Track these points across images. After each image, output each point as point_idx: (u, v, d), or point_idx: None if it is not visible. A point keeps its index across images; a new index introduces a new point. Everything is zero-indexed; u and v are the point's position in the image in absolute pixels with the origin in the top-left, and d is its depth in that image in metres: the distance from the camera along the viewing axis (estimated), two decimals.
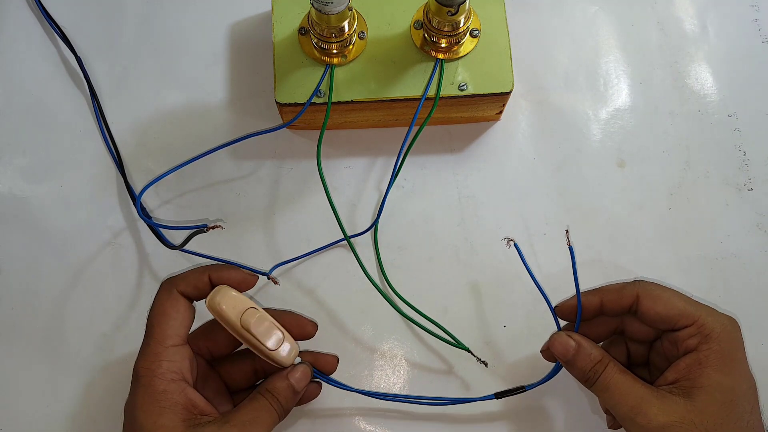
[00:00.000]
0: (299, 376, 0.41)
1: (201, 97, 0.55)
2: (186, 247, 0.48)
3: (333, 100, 0.48)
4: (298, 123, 0.53)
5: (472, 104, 0.50)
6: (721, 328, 0.38)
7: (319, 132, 0.48)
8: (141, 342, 0.40)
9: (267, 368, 0.44)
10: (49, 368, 0.50)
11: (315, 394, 0.45)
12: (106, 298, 0.51)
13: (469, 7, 0.46)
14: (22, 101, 0.55)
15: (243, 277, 0.42)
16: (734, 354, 0.38)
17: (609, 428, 0.44)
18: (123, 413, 0.39)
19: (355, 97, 0.48)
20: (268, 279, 0.48)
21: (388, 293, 0.50)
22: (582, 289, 0.42)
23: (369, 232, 0.52)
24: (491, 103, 0.51)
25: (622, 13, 0.57)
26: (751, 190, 0.53)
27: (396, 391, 0.50)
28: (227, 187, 0.53)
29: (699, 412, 0.36)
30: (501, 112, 0.53)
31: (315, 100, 0.48)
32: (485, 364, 0.49)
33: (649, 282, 0.40)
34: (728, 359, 0.37)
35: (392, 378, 0.50)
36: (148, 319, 0.41)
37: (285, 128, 0.54)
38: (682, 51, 0.56)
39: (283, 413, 0.41)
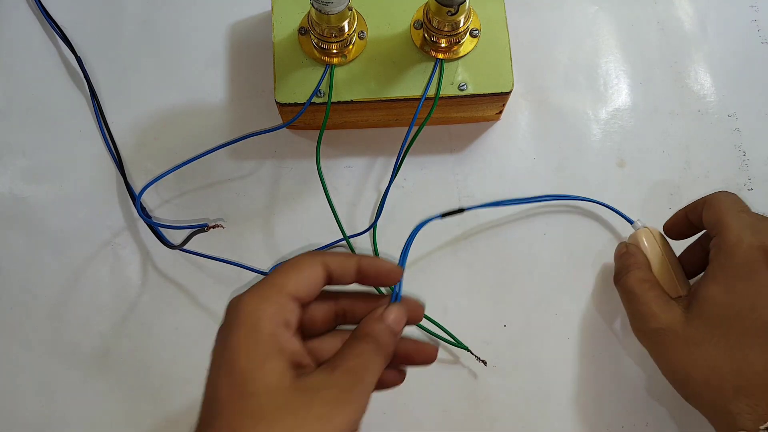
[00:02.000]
0: (395, 317, 0.36)
1: (201, 97, 0.55)
2: (186, 247, 0.48)
3: (333, 100, 0.48)
4: (298, 123, 0.53)
5: (472, 104, 0.50)
6: (735, 242, 0.36)
7: (318, 132, 0.48)
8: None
9: (350, 310, 0.38)
10: (48, 368, 0.50)
11: (398, 381, 0.39)
12: (106, 298, 0.51)
13: (469, 7, 0.46)
14: (22, 101, 0.55)
15: (390, 268, 0.37)
16: (740, 271, 0.36)
17: None
18: (209, 370, 0.34)
19: (355, 97, 0.48)
20: None
21: (387, 293, 0.50)
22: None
23: (368, 232, 0.52)
24: (491, 103, 0.51)
25: (622, 13, 0.57)
26: (751, 190, 0.53)
27: (396, 390, 0.50)
28: (227, 187, 0.53)
29: (685, 323, 0.36)
30: (501, 112, 0.53)
31: (315, 100, 0.48)
32: (484, 363, 0.49)
33: (722, 192, 0.41)
34: (730, 275, 0.36)
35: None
36: (275, 268, 0.36)
37: (285, 128, 0.54)
38: (682, 51, 0.57)
39: (387, 358, 0.35)
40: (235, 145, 0.53)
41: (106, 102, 0.55)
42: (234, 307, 0.33)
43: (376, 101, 0.49)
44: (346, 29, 0.46)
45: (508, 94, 0.49)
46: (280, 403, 0.31)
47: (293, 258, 0.36)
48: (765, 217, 0.39)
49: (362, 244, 0.52)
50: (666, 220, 0.46)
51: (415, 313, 0.38)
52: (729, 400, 0.34)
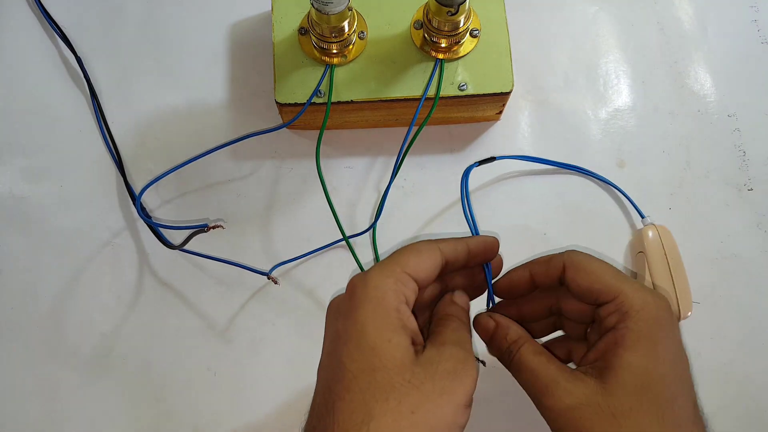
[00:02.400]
0: (464, 299, 0.38)
1: (201, 97, 0.55)
2: (186, 247, 0.48)
3: (333, 100, 0.48)
4: (298, 123, 0.53)
5: (472, 104, 0.50)
6: (641, 305, 0.34)
7: (318, 132, 0.48)
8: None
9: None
10: (48, 368, 0.50)
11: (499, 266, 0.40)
12: (106, 298, 0.51)
13: (469, 7, 0.46)
14: (22, 101, 0.55)
15: (492, 241, 0.39)
16: (655, 334, 0.33)
17: None
18: (334, 332, 0.35)
19: (355, 97, 0.48)
20: (268, 279, 0.48)
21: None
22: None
23: (368, 232, 0.52)
24: (491, 103, 0.51)
25: (622, 13, 0.57)
26: (751, 190, 0.53)
27: None
28: (227, 187, 0.53)
29: (607, 395, 0.33)
30: (501, 112, 0.53)
31: (315, 100, 0.48)
32: (483, 363, 0.49)
33: (579, 252, 0.37)
34: (647, 340, 0.33)
35: None
36: (394, 252, 0.36)
37: (285, 128, 0.54)
38: (682, 51, 0.56)
39: (470, 331, 0.37)
40: (235, 145, 0.53)
41: (106, 102, 0.55)
42: (360, 282, 0.34)
43: (376, 101, 0.49)
44: (346, 29, 0.46)
45: (508, 94, 0.49)
46: (407, 378, 0.31)
47: (412, 243, 0.37)
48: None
49: (362, 243, 0.52)
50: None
51: (491, 254, 0.39)
52: None
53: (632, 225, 0.53)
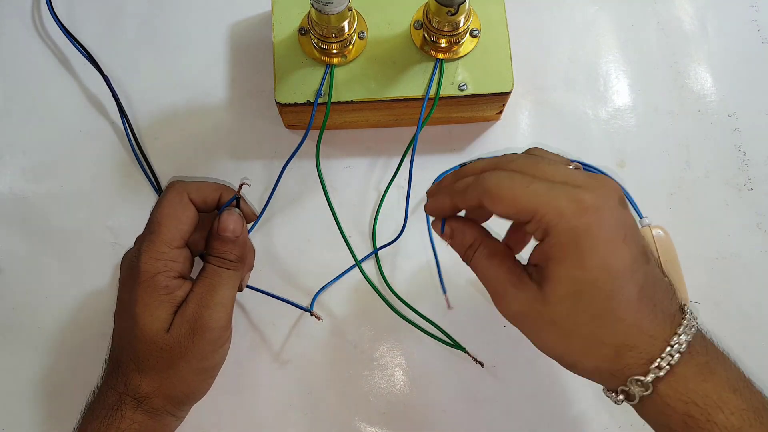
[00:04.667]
0: (225, 225, 0.42)
1: (201, 97, 0.55)
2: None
3: (333, 100, 0.48)
4: (298, 123, 0.53)
5: (472, 104, 0.50)
6: (558, 218, 0.33)
7: (318, 132, 0.48)
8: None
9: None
10: (49, 368, 0.50)
11: (249, 217, 0.46)
12: (106, 298, 0.51)
13: (469, 7, 0.46)
14: (23, 101, 0.55)
15: (245, 212, 0.45)
16: (580, 242, 0.33)
17: None
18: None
19: (355, 97, 0.48)
20: (311, 315, 0.49)
21: (386, 294, 0.50)
22: None
23: (367, 231, 0.52)
24: (491, 103, 0.51)
25: (622, 13, 0.57)
26: (751, 190, 0.53)
27: (396, 391, 0.50)
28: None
29: (545, 303, 0.34)
30: (501, 112, 0.53)
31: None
32: (481, 364, 0.49)
33: (492, 176, 0.35)
34: (571, 250, 0.33)
35: (391, 378, 0.50)
36: (153, 215, 0.42)
37: (285, 128, 0.54)
38: (682, 51, 0.56)
39: (234, 265, 0.43)
40: (235, 145, 0.54)
41: (106, 102, 0.55)
42: (134, 265, 0.41)
43: (376, 101, 0.49)
44: (346, 29, 0.46)
45: (508, 94, 0.49)
46: (161, 345, 0.40)
47: (165, 202, 0.42)
48: (547, 164, 0.36)
49: (362, 243, 0.52)
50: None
51: (251, 216, 0.45)
52: (613, 360, 0.34)
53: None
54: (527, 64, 0.55)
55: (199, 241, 0.45)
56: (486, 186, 0.35)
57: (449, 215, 0.39)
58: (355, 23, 0.47)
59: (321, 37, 0.46)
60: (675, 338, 0.34)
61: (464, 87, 0.48)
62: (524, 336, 0.37)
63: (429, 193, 0.41)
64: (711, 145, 0.54)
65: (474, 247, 0.38)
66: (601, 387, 0.36)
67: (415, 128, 0.48)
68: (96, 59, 0.55)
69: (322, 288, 0.50)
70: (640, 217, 0.51)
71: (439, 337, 0.48)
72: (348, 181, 0.53)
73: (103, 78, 0.54)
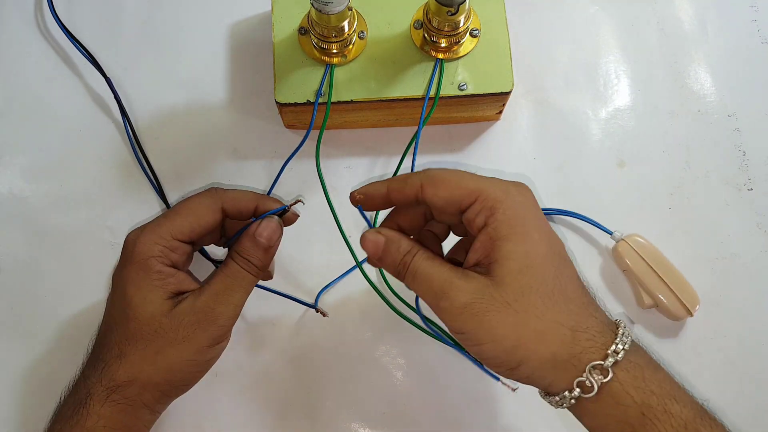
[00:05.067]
0: (261, 231, 0.41)
1: (201, 97, 0.55)
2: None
3: (333, 100, 0.48)
4: (298, 123, 0.53)
5: (472, 104, 0.50)
6: (504, 196, 0.35)
7: (318, 132, 0.48)
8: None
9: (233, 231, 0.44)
10: (49, 368, 0.50)
11: (291, 220, 0.45)
12: (106, 298, 0.51)
13: (469, 7, 0.46)
14: (23, 101, 0.55)
15: (287, 215, 0.44)
16: (525, 219, 0.34)
17: None
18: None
19: (355, 97, 0.48)
20: (317, 311, 0.49)
21: (386, 294, 0.50)
22: None
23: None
24: (491, 103, 0.51)
25: (622, 13, 0.57)
26: (751, 190, 0.53)
27: (396, 391, 0.50)
28: (227, 187, 0.53)
29: (497, 285, 0.33)
30: (501, 111, 0.53)
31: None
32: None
33: (435, 169, 0.37)
34: (518, 226, 0.34)
35: (391, 379, 0.50)
36: (176, 205, 0.42)
37: (285, 128, 0.54)
38: (682, 51, 0.56)
39: (257, 271, 0.42)
40: (235, 145, 0.54)
41: (107, 101, 0.55)
42: (131, 244, 0.40)
43: (376, 101, 0.49)
44: (346, 29, 0.46)
45: (508, 94, 0.49)
46: (155, 328, 0.39)
47: (195, 198, 0.41)
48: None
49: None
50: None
51: (293, 216, 0.44)
52: (570, 344, 0.33)
53: (606, 245, 0.52)
54: (527, 63, 0.55)
55: (207, 240, 0.44)
56: (430, 173, 0.37)
57: (377, 206, 0.39)
58: (355, 23, 0.47)
59: (321, 36, 0.46)
60: (621, 330, 0.34)
61: (464, 87, 0.48)
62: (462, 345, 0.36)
63: (351, 199, 0.40)
64: (711, 145, 0.54)
65: (412, 252, 0.37)
66: (538, 391, 0.35)
67: (415, 128, 0.48)
68: (96, 59, 0.55)
69: (325, 287, 0.50)
70: (609, 233, 0.51)
71: (439, 337, 0.48)
72: (348, 181, 0.53)
73: (105, 78, 0.54)
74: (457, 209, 0.36)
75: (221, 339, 0.41)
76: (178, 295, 0.41)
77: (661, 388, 0.33)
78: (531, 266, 0.34)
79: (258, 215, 0.43)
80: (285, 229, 0.52)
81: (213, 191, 0.42)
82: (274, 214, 0.42)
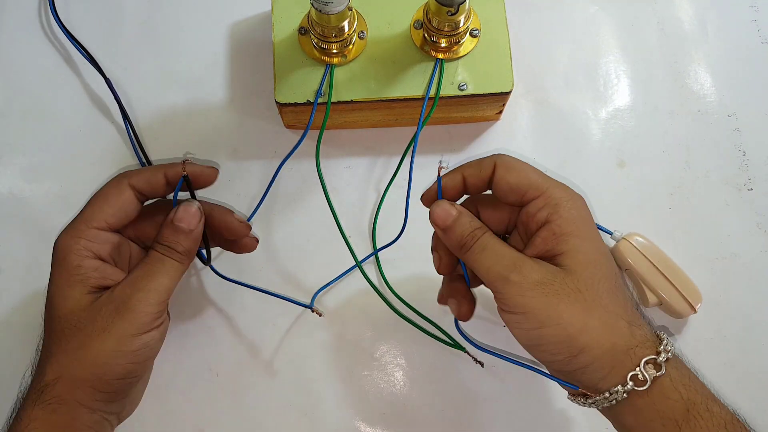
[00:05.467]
0: (181, 215, 0.41)
1: (201, 97, 0.55)
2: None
3: (333, 100, 0.48)
4: (298, 123, 0.53)
5: (472, 104, 0.50)
6: (567, 198, 0.37)
7: (318, 132, 0.48)
8: None
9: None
10: None
11: (251, 246, 0.46)
12: None
13: (469, 7, 0.46)
14: (23, 101, 0.55)
15: (201, 171, 0.43)
16: (585, 222, 0.37)
17: (439, 302, 0.43)
18: None
19: (355, 97, 0.48)
20: (312, 311, 0.49)
21: (386, 294, 0.50)
22: None
23: (367, 231, 0.52)
24: (491, 103, 0.51)
25: (622, 13, 0.57)
26: (751, 190, 0.53)
27: (396, 391, 0.50)
28: (227, 187, 0.53)
29: (568, 273, 0.35)
30: (501, 111, 0.53)
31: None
32: (481, 364, 0.49)
33: (507, 155, 0.40)
34: (581, 226, 0.36)
35: (391, 378, 0.50)
36: (87, 203, 0.42)
37: (285, 128, 0.54)
38: (682, 51, 0.57)
39: (181, 257, 0.41)
40: (235, 145, 0.53)
41: (107, 102, 0.55)
42: (55, 243, 0.40)
43: (376, 101, 0.49)
44: (346, 29, 0.46)
45: (508, 94, 0.49)
46: (74, 323, 0.38)
47: (103, 187, 0.41)
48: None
49: (362, 243, 0.52)
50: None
51: (208, 177, 0.43)
52: (628, 336, 0.35)
53: (606, 245, 0.52)
54: (527, 63, 0.55)
55: (149, 232, 0.43)
56: (504, 158, 0.39)
57: (454, 195, 0.40)
58: (355, 23, 0.47)
59: (321, 36, 0.46)
60: (665, 334, 0.36)
61: (464, 87, 0.48)
62: (512, 340, 0.37)
63: (424, 199, 0.41)
64: (711, 145, 0.54)
65: (483, 229, 0.38)
66: (567, 395, 0.37)
67: (415, 128, 0.48)
68: (96, 60, 0.55)
69: (322, 287, 0.50)
70: (609, 233, 0.51)
71: (439, 337, 0.48)
72: (348, 181, 0.53)
73: (104, 79, 0.54)
74: (519, 199, 0.38)
75: (145, 328, 0.39)
76: (101, 290, 0.40)
77: (704, 389, 0.35)
78: (598, 261, 0.36)
79: (171, 184, 0.42)
80: (286, 229, 0.53)
81: (117, 175, 0.42)
82: (184, 199, 0.42)
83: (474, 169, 0.39)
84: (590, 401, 0.36)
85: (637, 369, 0.34)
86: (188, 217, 0.41)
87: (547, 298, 0.35)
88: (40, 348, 0.40)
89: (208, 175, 0.43)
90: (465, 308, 0.41)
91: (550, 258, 0.37)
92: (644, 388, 0.34)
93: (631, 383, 0.34)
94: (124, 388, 0.40)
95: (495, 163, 0.38)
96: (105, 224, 0.40)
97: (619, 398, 0.34)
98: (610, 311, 0.35)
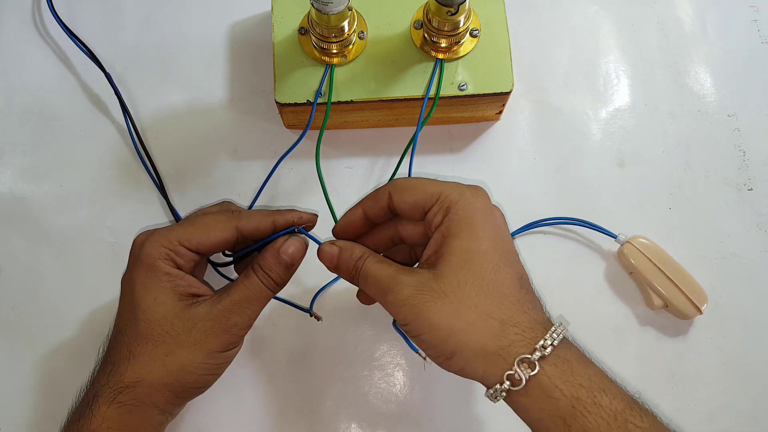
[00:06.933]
0: (286, 248, 0.41)
1: (201, 97, 0.55)
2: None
3: (333, 100, 0.48)
4: (298, 123, 0.53)
5: (472, 104, 0.50)
6: (458, 197, 0.37)
7: (318, 132, 0.48)
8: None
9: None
10: (48, 368, 0.50)
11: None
12: (106, 298, 0.51)
13: (469, 7, 0.46)
14: (23, 101, 0.55)
15: (309, 218, 0.43)
16: (473, 218, 0.37)
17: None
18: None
19: (355, 97, 0.48)
20: (311, 315, 0.49)
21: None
22: None
23: None
24: (491, 103, 0.51)
25: (622, 13, 0.57)
26: (751, 190, 0.53)
27: (396, 391, 0.50)
28: (227, 187, 0.53)
29: (437, 278, 0.36)
30: (501, 112, 0.53)
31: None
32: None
33: (401, 178, 0.41)
34: (466, 225, 0.37)
35: (391, 378, 0.50)
36: (191, 216, 0.42)
37: (285, 128, 0.54)
38: (682, 51, 0.57)
39: (275, 287, 0.41)
40: (235, 145, 0.53)
41: (107, 102, 0.55)
42: (139, 245, 0.41)
43: (376, 101, 0.49)
44: (346, 29, 0.46)
45: (508, 94, 0.49)
46: (166, 329, 0.39)
47: (211, 215, 0.42)
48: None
49: None
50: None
51: (310, 223, 0.44)
52: (497, 336, 0.34)
53: (609, 248, 0.52)
54: (527, 63, 0.55)
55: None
56: (395, 182, 0.40)
57: (359, 231, 0.42)
58: (355, 23, 0.47)
59: (321, 37, 0.46)
60: (553, 327, 0.35)
61: (464, 87, 0.48)
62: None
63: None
64: (711, 145, 0.54)
65: (363, 257, 0.39)
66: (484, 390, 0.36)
67: (415, 128, 0.48)
68: (96, 56, 0.55)
69: (322, 289, 0.50)
70: (614, 237, 0.51)
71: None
72: (348, 181, 0.53)
73: (105, 76, 0.54)
74: (422, 212, 0.39)
75: (231, 347, 0.41)
76: (189, 298, 0.40)
77: (590, 382, 0.34)
78: (470, 261, 0.36)
79: (277, 230, 0.42)
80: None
81: (230, 212, 0.42)
82: (286, 233, 0.42)
83: (371, 201, 0.41)
84: (486, 396, 0.36)
85: (512, 368, 0.34)
86: (295, 252, 0.41)
87: (417, 308, 0.35)
88: (110, 345, 0.41)
89: (311, 221, 0.44)
90: (363, 297, 0.43)
91: (434, 260, 0.37)
92: (520, 387, 0.34)
93: (508, 383, 0.34)
94: (196, 394, 0.42)
95: (389, 191, 0.39)
96: (195, 249, 0.41)
97: (500, 397, 0.34)
98: (479, 311, 0.35)
